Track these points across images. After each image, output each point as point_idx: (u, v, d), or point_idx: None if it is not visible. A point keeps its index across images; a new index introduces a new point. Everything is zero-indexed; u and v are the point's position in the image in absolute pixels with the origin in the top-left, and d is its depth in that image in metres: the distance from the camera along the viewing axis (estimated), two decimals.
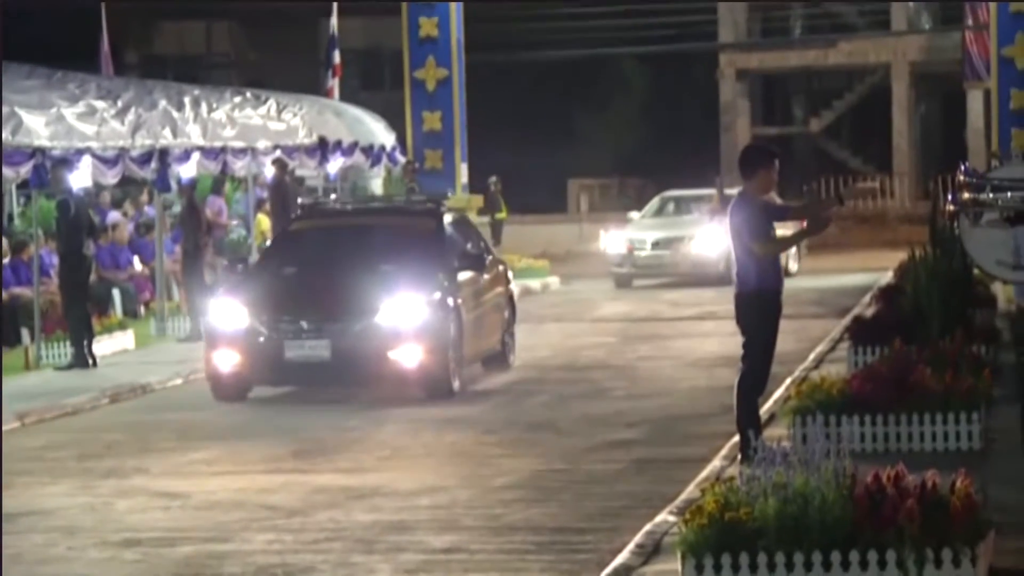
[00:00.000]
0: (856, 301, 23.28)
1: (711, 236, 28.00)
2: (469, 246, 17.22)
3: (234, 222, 26.14)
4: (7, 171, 18.42)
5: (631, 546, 8.92)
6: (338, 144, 27.69)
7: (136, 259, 24.03)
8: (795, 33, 49.47)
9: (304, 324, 15.38)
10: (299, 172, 27.16)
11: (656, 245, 29.19)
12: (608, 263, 29.83)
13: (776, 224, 11.22)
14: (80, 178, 19.30)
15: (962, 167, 12.73)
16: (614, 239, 29.99)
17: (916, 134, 48.20)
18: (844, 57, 47.26)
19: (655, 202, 31.78)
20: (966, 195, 12.29)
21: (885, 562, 7.31)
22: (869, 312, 17.40)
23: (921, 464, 9.20)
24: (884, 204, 44.17)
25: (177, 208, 24.16)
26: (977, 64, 41.22)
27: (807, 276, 28.67)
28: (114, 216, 25.30)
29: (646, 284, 29.28)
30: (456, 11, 33.40)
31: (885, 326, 14.31)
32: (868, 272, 29.03)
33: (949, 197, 13.16)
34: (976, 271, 14.35)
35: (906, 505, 7.40)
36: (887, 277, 22.38)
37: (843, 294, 25.51)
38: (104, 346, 19.28)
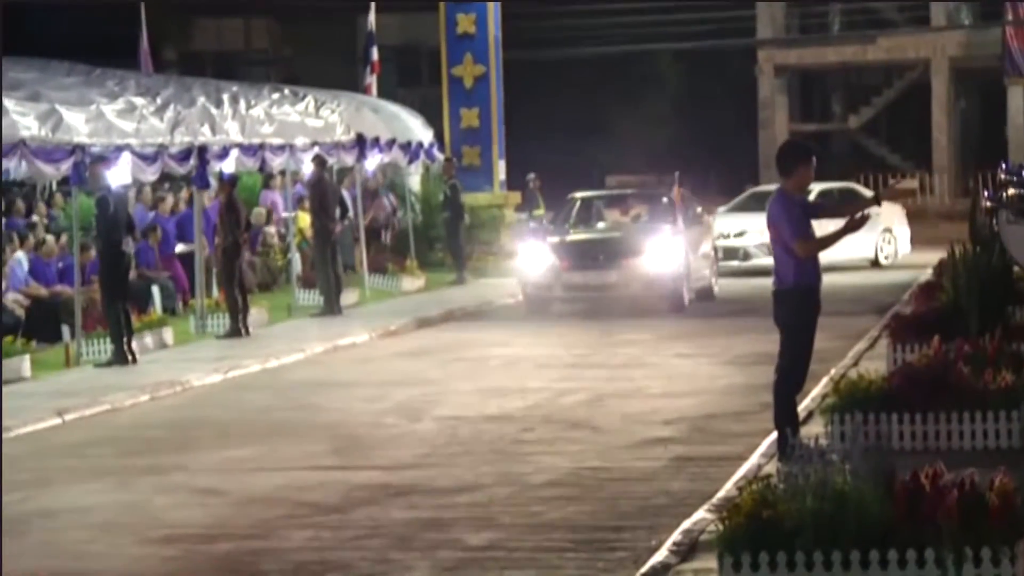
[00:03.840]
0: (895, 298, 23.21)
1: (667, 248, 22.85)
2: None
3: (289, 215, 26.16)
4: (48, 168, 18.53)
5: (668, 544, 8.92)
6: (376, 141, 27.74)
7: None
8: (834, 29, 49.31)
9: None
10: (338, 167, 27.22)
11: (601, 259, 22.74)
12: (524, 281, 23.36)
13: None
14: (119, 175, 19.39)
15: (1002, 165, 12.69)
16: (535, 251, 23.23)
17: (955, 130, 47.98)
18: (883, 53, 47.08)
19: (568, 206, 25.27)
20: (1009, 192, 12.25)
21: (924, 561, 7.28)
22: (908, 309, 17.34)
23: (960, 462, 9.17)
24: (923, 201, 43.98)
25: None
26: (1017, 59, 41.06)
27: (846, 272, 28.56)
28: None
29: (571, 311, 23.14)
30: (494, 8, 33.44)
31: (924, 323, 14.25)
32: (908, 269, 28.92)
33: (987, 194, 13.13)
34: (1016, 268, 14.29)
35: (945, 503, 7.37)
36: (927, 274, 22.27)
37: (882, 291, 25.42)
38: (144, 343, 19.36)
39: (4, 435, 14.08)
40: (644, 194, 25.98)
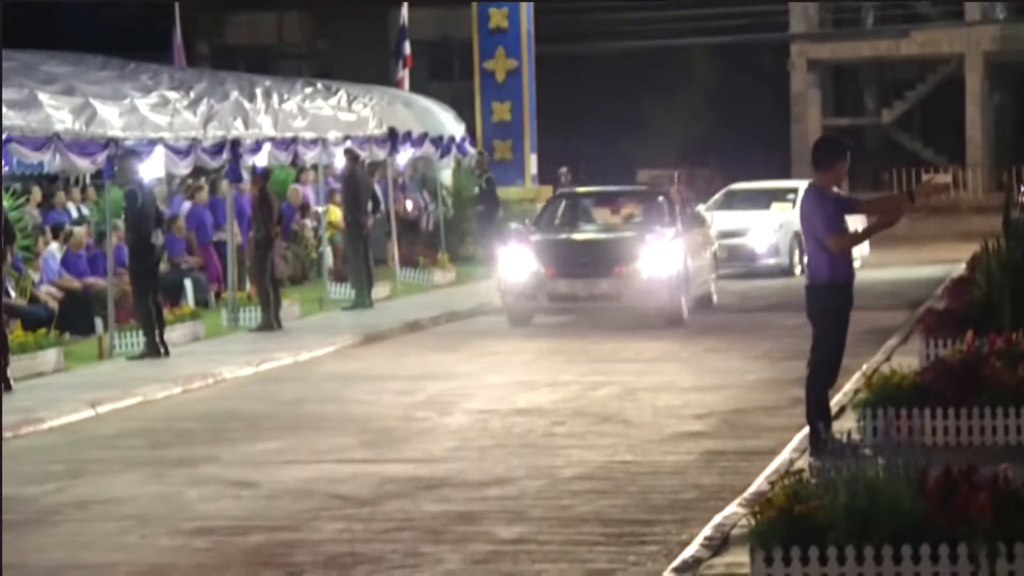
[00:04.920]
0: (928, 293, 23.12)
1: (663, 254, 20.58)
2: None
3: (321, 208, 26.22)
4: (82, 161, 18.61)
5: (700, 538, 8.91)
6: (408, 135, 27.77)
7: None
8: (867, 23, 49.14)
9: None
10: (370, 161, 27.25)
11: (590, 266, 20.50)
12: (504, 290, 21.10)
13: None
14: (152, 168, 19.46)
15: None
16: (517, 256, 20.98)
17: (989, 125, 47.77)
18: (917, 47, 46.90)
19: (554, 204, 23.06)
20: None
21: (957, 556, 7.25)
22: (941, 304, 17.27)
23: (993, 458, 9.15)
24: (957, 195, 43.80)
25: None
26: None
27: (879, 268, 28.46)
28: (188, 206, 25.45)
29: (557, 322, 21.18)
30: (526, 2, 33.45)
31: (957, 318, 14.19)
32: (940, 264, 28.81)
33: (1022, 188, 13.09)
34: None
35: (978, 499, 7.35)
36: (959, 269, 22.19)
37: (915, 286, 25.33)
38: (176, 335, 19.42)
39: (38, 427, 14.16)
40: (638, 193, 23.68)
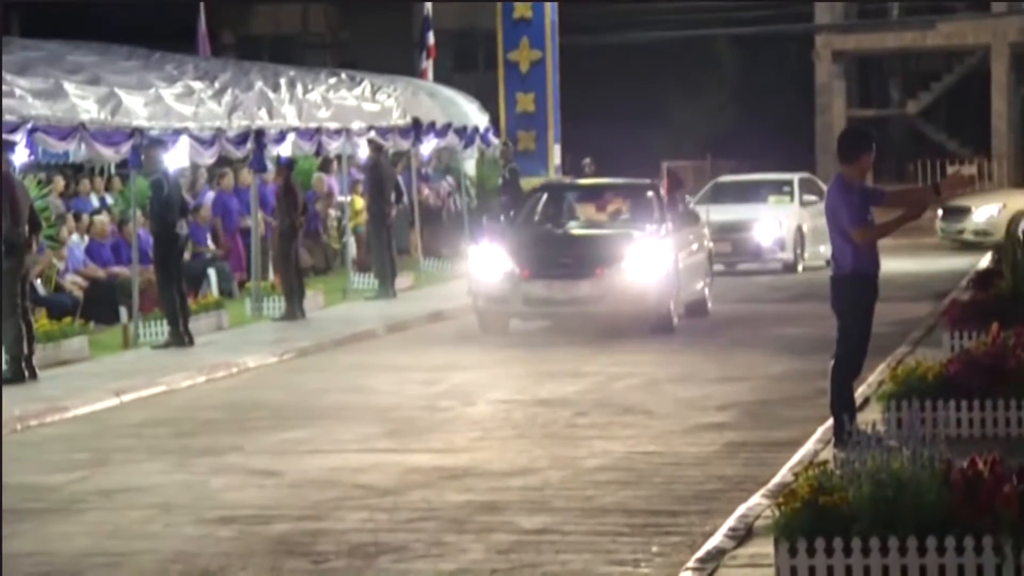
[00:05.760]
0: (953, 285, 23.06)
1: (651, 254, 18.97)
2: None
3: (345, 198, 26.21)
4: (107, 151, 18.66)
5: (724, 529, 8.90)
6: (432, 125, 27.77)
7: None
8: (893, 14, 48.99)
9: None
10: (394, 151, 27.27)
11: (570, 267, 18.83)
12: (475, 292, 19.37)
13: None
14: (177, 158, 19.50)
15: None
16: (490, 255, 19.34)
17: (1015, 116, 47.62)
18: (943, 39, 46.76)
19: (534, 198, 21.51)
20: None
21: (981, 547, 7.24)
22: (966, 296, 17.22)
23: (1018, 450, 9.12)
24: (982, 187, 43.66)
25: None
26: None
27: (904, 259, 28.40)
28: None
29: (535, 329, 19.50)
30: None
31: (982, 310, 14.16)
32: (965, 255, 28.72)
33: None
34: None
35: (1003, 491, 7.33)
36: (985, 261, 22.11)
37: (940, 278, 25.27)
38: (200, 325, 19.46)
39: (63, 415, 14.21)
40: (626, 186, 21.53)
